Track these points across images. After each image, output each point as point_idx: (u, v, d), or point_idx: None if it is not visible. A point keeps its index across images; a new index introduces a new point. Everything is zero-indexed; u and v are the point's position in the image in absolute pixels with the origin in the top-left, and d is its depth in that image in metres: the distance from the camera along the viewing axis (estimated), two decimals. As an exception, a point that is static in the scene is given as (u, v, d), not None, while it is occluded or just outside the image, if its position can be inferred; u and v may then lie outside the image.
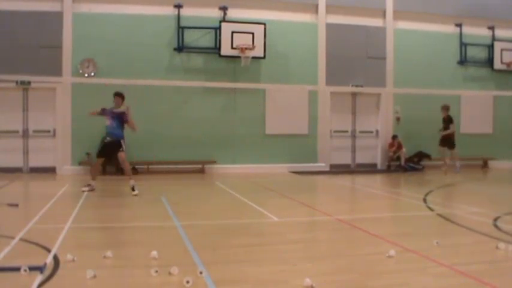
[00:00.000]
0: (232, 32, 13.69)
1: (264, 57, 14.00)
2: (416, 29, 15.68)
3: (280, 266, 4.58)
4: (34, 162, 13.32)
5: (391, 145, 15.15)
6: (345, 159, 15.56)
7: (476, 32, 16.14)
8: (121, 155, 9.46)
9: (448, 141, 13.67)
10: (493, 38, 16.22)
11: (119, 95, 9.65)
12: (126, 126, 9.71)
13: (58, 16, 13.10)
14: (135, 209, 8.03)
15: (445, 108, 13.74)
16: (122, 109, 9.55)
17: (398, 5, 15.41)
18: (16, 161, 13.20)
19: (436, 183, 12.10)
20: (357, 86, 14.89)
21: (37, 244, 5.17)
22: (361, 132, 15.74)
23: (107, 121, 9.58)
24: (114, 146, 9.48)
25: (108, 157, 10.05)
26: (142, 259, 4.67)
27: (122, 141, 9.51)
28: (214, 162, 14.00)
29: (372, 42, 15.32)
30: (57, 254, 4.73)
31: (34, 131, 13.35)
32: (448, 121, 13.62)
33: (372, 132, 15.77)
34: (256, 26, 13.87)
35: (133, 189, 9.25)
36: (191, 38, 13.84)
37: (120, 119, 9.49)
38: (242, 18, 14.11)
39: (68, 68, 13.10)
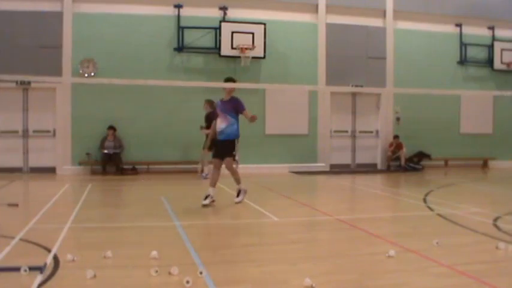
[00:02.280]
0: (232, 32, 13.69)
1: (264, 57, 14.00)
2: (416, 29, 15.67)
3: (280, 266, 4.58)
4: (34, 162, 13.32)
5: (390, 145, 15.16)
6: (345, 159, 15.55)
7: (476, 32, 16.14)
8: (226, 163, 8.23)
9: None
10: (493, 38, 16.23)
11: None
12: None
13: (58, 16, 13.10)
14: (135, 209, 8.02)
15: None
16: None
17: (398, 5, 15.41)
18: (16, 161, 13.20)
19: (436, 183, 12.10)
20: (356, 86, 14.89)
21: (37, 244, 5.17)
22: (361, 132, 15.74)
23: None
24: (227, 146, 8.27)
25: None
26: (143, 259, 4.67)
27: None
28: (214, 162, 13.98)
29: (372, 42, 15.32)
30: (57, 254, 4.73)
31: (34, 131, 13.35)
32: None
33: (371, 132, 15.77)
34: (256, 26, 13.87)
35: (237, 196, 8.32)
36: (191, 38, 13.84)
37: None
38: (242, 18, 14.11)
39: (68, 68, 13.10)
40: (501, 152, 16.23)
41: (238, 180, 8.40)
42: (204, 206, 7.87)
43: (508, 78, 16.28)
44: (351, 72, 15.03)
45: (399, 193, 10.71)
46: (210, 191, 8.03)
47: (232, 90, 8.32)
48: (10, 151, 13.15)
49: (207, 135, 12.21)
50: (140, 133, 13.55)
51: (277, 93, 14.45)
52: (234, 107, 8.23)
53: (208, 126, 12.12)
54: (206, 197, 7.99)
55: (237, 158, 8.60)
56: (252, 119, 8.09)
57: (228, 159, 8.19)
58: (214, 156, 8.50)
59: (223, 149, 8.20)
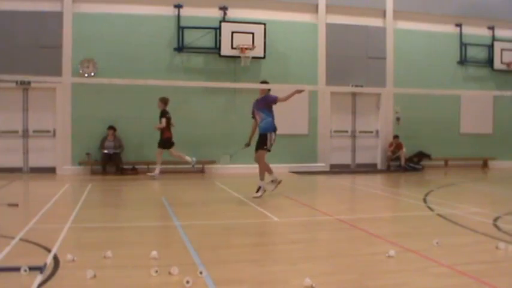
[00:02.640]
0: (232, 32, 13.69)
1: (264, 57, 14.00)
2: (416, 29, 15.67)
3: (280, 266, 4.58)
4: (34, 162, 13.32)
5: (390, 145, 15.16)
6: (345, 159, 15.55)
7: (476, 32, 16.14)
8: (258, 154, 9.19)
9: None
10: (493, 38, 16.23)
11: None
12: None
13: (58, 16, 13.10)
14: (135, 209, 8.03)
15: None
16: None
17: (398, 5, 15.41)
18: (16, 161, 13.20)
19: (436, 183, 12.10)
20: (356, 86, 14.88)
21: (37, 244, 5.17)
22: (361, 132, 15.74)
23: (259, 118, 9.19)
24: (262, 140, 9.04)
25: None
26: (143, 259, 4.67)
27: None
28: (214, 162, 13.99)
29: (372, 42, 15.32)
30: (57, 254, 4.73)
31: (34, 131, 13.35)
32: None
33: (371, 132, 15.77)
34: (256, 26, 13.87)
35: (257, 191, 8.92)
36: (191, 38, 13.84)
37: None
38: (242, 18, 14.11)
39: (68, 68, 13.10)
40: (501, 152, 16.23)
41: (262, 176, 9.06)
42: (255, 198, 8.68)
43: (508, 78, 16.28)
44: (351, 72, 15.03)
45: (399, 193, 10.71)
46: (273, 177, 9.06)
47: (264, 91, 8.92)
48: (10, 151, 13.15)
49: (162, 133, 12.22)
50: (140, 133, 13.55)
51: (277, 93, 14.39)
52: (266, 103, 8.89)
53: (168, 123, 12.20)
54: (272, 182, 9.01)
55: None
56: (296, 93, 8.70)
57: (260, 152, 9.00)
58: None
59: (258, 142, 9.07)
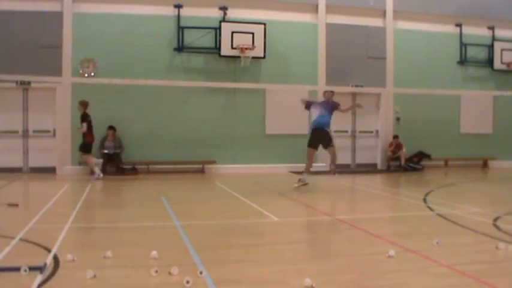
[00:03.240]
0: (232, 32, 13.69)
1: (264, 57, 14.00)
2: (416, 29, 15.67)
3: (280, 266, 4.58)
4: (34, 162, 13.32)
5: (390, 145, 15.16)
6: (345, 159, 15.54)
7: (476, 32, 16.14)
8: (332, 150, 9.88)
9: None
10: (493, 38, 16.22)
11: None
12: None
13: (58, 16, 13.10)
14: (135, 209, 8.03)
15: None
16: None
17: (398, 5, 15.40)
18: (16, 161, 13.20)
19: (436, 183, 12.10)
20: (356, 86, 14.88)
21: (37, 244, 5.17)
22: (361, 132, 15.74)
23: (316, 112, 10.09)
24: (324, 136, 9.85)
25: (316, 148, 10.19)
26: (142, 259, 4.67)
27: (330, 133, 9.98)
28: (214, 162, 14.00)
29: (372, 42, 15.32)
30: (57, 254, 4.73)
31: (34, 131, 13.35)
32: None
33: (371, 132, 15.77)
34: (256, 26, 13.87)
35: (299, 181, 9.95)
36: (191, 38, 13.84)
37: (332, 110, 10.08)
38: (242, 18, 14.11)
39: (68, 68, 13.10)
40: (501, 152, 16.23)
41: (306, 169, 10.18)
42: (296, 188, 9.70)
43: (508, 78, 16.27)
44: (351, 72, 15.03)
45: (399, 193, 10.71)
46: (305, 176, 9.93)
47: (332, 95, 10.24)
48: (10, 151, 13.15)
49: (83, 136, 12.07)
50: (140, 133, 13.56)
51: (277, 93, 14.45)
52: (332, 106, 10.08)
53: (90, 127, 12.00)
54: (299, 180, 9.87)
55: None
56: (355, 106, 11.38)
57: (331, 148, 9.87)
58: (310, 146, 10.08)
59: (322, 138, 9.88)
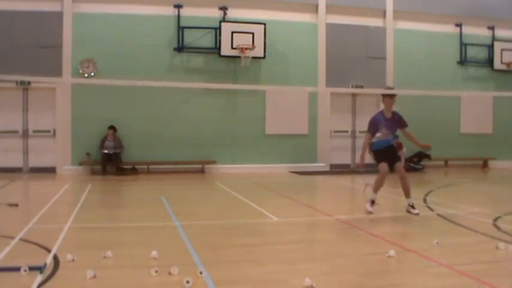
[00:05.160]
0: (232, 32, 13.68)
1: (264, 57, 14.00)
2: (416, 29, 15.67)
3: (280, 266, 4.58)
4: (34, 162, 13.31)
5: (390, 145, 15.14)
6: (345, 159, 15.54)
7: (476, 32, 16.14)
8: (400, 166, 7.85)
9: None
10: (493, 38, 16.22)
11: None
12: None
13: (58, 16, 13.09)
14: (135, 209, 8.03)
15: None
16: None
17: (398, 5, 15.40)
18: (16, 161, 13.19)
19: (436, 183, 12.09)
20: (357, 86, 14.87)
21: (37, 244, 5.17)
22: (361, 132, 15.71)
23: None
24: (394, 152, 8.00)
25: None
26: (142, 259, 4.67)
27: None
28: (214, 162, 14.00)
29: (372, 42, 15.31)
30: (57, 254, 4.73)
31: (34, 131, 13.35)
32: None
33: (372, 132, 15.74)
34: (256, 26, 13.87)
35: (413, 207, 7.39)
36: (191, 38, 13.84)
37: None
38: (242, 18, 14.11)
39: (68, 68, 13.10)
40: (501, 152, 16.23)
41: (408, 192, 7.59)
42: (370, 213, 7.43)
43: (508, 78, 16.27)
44: (351, 72, 15.02)
45: (399, 193, 10.69)
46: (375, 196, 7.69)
47: (392, 103, 7.98)
48: (10, 151, 13.14)
49: None
50: (140, 133, 13.55)
51: (277, 93, 14.45)
52: (398, 125, 7.98)
53: None
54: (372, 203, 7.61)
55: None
56: (423, 146, 8.10)
57: (399, 164, 7.82)
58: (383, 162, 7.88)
59: (391, 153, 7.92)
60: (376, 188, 7.74)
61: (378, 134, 7.90)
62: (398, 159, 7.90)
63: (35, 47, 12.90)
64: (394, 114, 7.98)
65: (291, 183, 12.32)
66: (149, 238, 5.77)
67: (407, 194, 7.50)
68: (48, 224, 6.45)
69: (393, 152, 7.92)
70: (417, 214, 7.18)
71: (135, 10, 13.57)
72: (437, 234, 5.72)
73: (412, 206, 7.36)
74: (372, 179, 8.11)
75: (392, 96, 8.00)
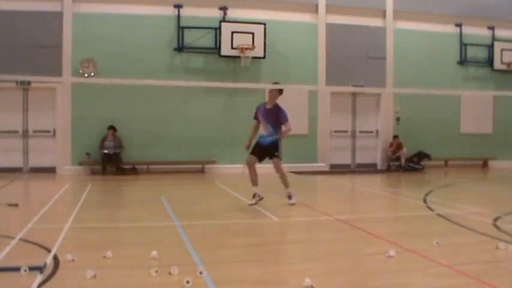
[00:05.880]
0: (232, 32, 13.69)
1: (264, 57, 14.00)
2: (416, 29, 15.67)
3: (280, 266, 4.58)
4: (34, 162, 13.32)
5: (390, 145, 15.16)
6: (345, 159, 15.55)
7: (476, 32, 16.14)
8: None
9: None
10: (493, 38, 16.22)
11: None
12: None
13: (58, 16, 13.09)
14: (135, 209, 8.03)
15: None
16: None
17: (398, 5, 15.40)
18: (16, 161, 13.20)
19: (436, 183, 12.09)
20: (356, 86, 14.88)
21: (37, 244, 5.17)
22: (361, 132, 15.74)
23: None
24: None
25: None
26: (142, 259, 4.67)
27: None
28: (214, 162, 14.00)
29: (372, 42, 15.31)
30: (57, 254, 4.73)
31: (34, 131, 13.35)
32: None
33: (372, 132, 15.77)
34: (256, 26, 13.87)
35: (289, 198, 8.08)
36: (191, 38, 13.84)
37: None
38: (242, 18, 14.11)
39: (68, 68, 13.10)
40: (501, 152, 16.23)
41: (285, 183, 8.31)
42: (251, 205, 7.89)
43: (508, 78, 16.27)
44: (351, 72, 15.02)
45: (399, 193, 10.71)
46: (255, 189, 8.09)
47: (276, 96, 8.18)
48: (10, 151, 13.15)
49: None
50: (140, 133, 13.55)
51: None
52: (276, 118, 8.15)
53: None
54: (254, 196, 8.02)
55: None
56: (283, 135, 8.22)
57: (276, 160, 8.18)
58: (251, 154, 8.33)
59: (267, 150, 8.24)
60: (252, 182, 8.22)
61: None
62: (270, 156, 8.23)
63: (35, 47, 12.90)
64: (276, 107, 8.24)
65: (291, 183, 12.30)
66: (149, 238, 5.77)
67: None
68: (48, 224, 6.45)
69: (264, 150, 8.27)
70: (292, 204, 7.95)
71: (135, 10, 13.57)
72: (438, 234, 5.72)
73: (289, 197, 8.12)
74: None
75: (278, 90, 8.27)
